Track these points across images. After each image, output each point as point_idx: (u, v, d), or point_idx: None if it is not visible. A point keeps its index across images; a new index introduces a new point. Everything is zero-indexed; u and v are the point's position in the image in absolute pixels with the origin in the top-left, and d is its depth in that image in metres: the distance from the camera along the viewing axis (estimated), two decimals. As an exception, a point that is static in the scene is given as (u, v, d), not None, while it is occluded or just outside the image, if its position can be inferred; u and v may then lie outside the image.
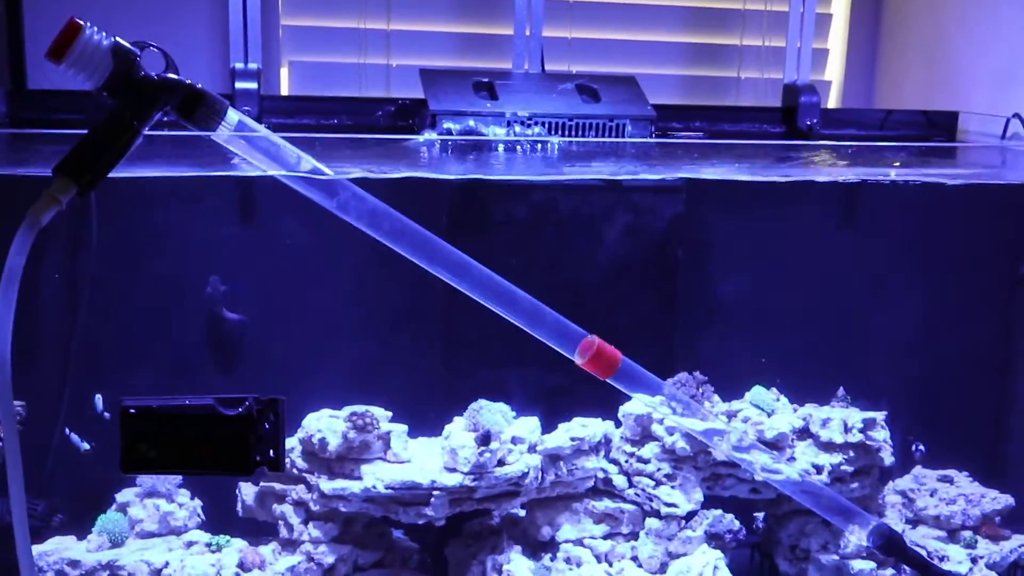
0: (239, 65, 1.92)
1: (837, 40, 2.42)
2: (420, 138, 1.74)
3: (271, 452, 1.15)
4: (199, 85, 1.17)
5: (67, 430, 1.69)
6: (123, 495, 1.74)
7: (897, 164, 1.69)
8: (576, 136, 1.86)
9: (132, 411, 1.12)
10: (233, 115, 1.23)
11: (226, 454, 1.13)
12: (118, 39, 1.12)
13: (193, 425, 1.13)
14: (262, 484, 1.70)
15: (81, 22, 1.09)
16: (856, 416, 1.75)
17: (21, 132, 1.51)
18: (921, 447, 1.82)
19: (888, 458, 1.76)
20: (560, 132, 1.86)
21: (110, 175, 1.10)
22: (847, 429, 1.73)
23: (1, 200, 1.44)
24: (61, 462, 1.73)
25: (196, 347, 1.75)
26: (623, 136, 1.88)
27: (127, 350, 1.76)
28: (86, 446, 1.68)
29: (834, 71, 2.44)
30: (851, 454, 1.74)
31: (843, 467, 1.73)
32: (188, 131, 1.20)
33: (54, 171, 1.09)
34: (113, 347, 1.77)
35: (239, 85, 1.88)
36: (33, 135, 1.48)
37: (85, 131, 1.11)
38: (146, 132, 1.13)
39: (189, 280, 1.76)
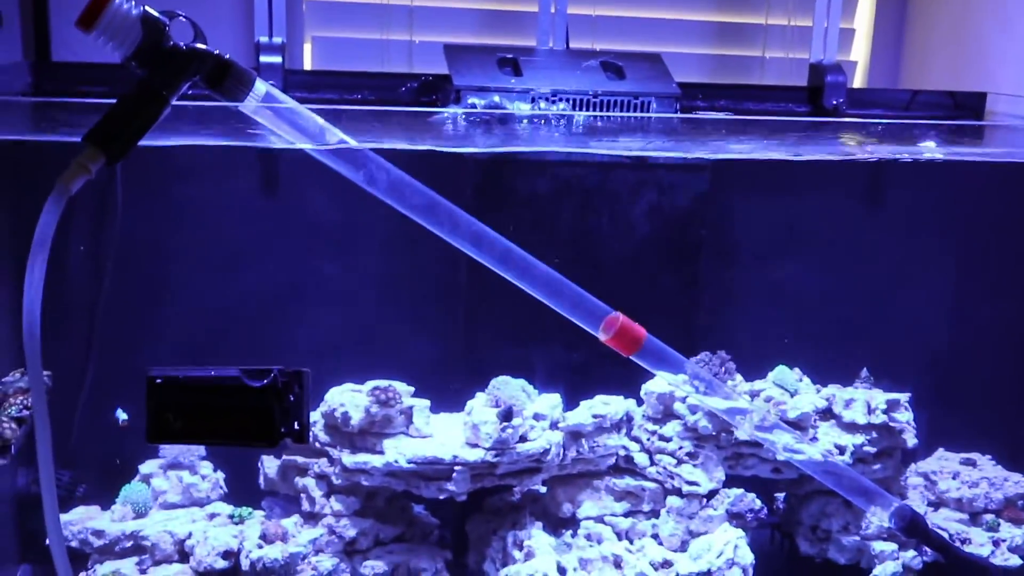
0: (264, 39, 1.91)
1: (864, 19, 2.40)
2: (446, 112, 1.73)
3: (295, 424, 1.16)
4: (227, 55, 1.17)
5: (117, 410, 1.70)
6: (146, 466, 1.76)
7: (924, 144, 1.68)
8: (600, 111, 1.85)
9: (158, 381, 1.12)
10: (261, 86, 1.23)
11: (251, 425, 1.14)
12: (147, 8, 1.12)
13: (218, 396, 1.13)
14: (284, 457, 1.71)
15: (112, -9, 1.09)
16: (879, 397, 1.74)
17: (48, 100, 1.51)
18: None
19: (911, 440, 1.76)
20: (585, 108, 1.85)
21: (139, 144, 1.11)
22: (870, 410, 1.72)
23: (30, 167, 1.44)
24: (86, 433, 1.74)
25: (221, 318, 1.76)
26: (648, 112, 1.87)
27: (153, 321, 1.76)
28: (124, 417, 1.69)
29: (860, 51, 2.41)
30: (874, 435, 1.73)
31: (866, 448, 1.72)
32: (216, 102, 1.20)
33: (83, 139, 1.09)
34: (139, 317, 1.77)
35: (264, 59, 1.88)
36: (59, 103, 1.48)
37: (113, 101, 1.12)
38: (174, 102, 1.14)
39: (214, 250, 1.77)
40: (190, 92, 1.16)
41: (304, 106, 1.31)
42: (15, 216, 1.60)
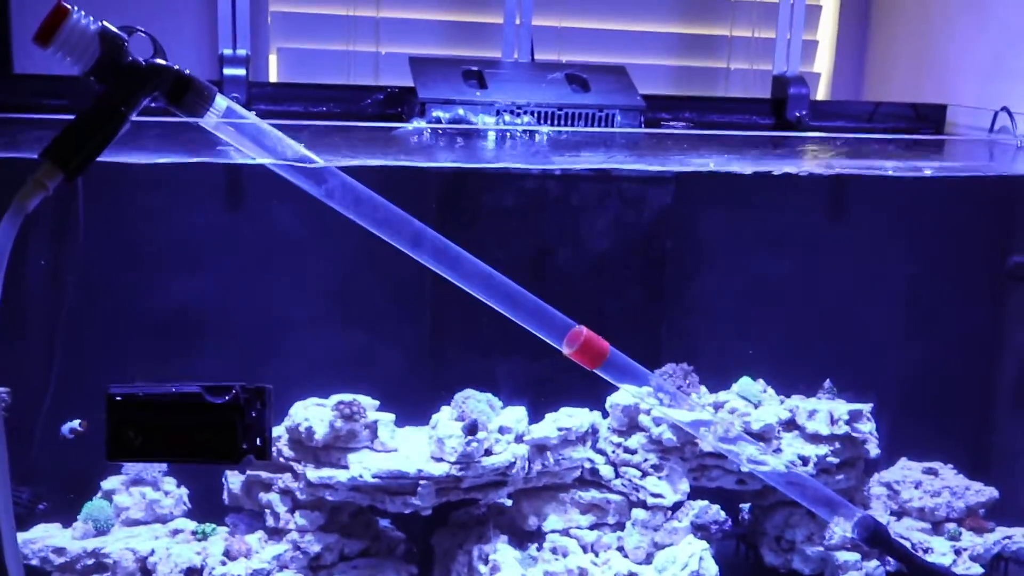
0: (227, 51, 1.91)
1: (826, 32, 2.42)
2: (409, 126, 1.73)
3: (258, 440, 1.15)
4: (187, 71, 1.17)
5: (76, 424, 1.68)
6: (109, 482, 1.74)
7: (883, 157, 1.70)
8: (565, 125, 1.86)
9: (118, 398, 1.11)
10: (221, 101, 1.22)
11: (213, 442, 1.13)
12: (105, 24, 1.11)
13: (180, 412, 1.12)
14: (248, 472, 1.70)
15: (68, 6, 1.09)
16: (842, 408, 1.75)
17: (5, 117, 1.50)
18: None
19: (874, 450, 1.77)
20: (549, 121, 1.86)
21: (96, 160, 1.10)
22: (833, 421, 1.74)
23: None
24: (46, 449, 1.72)
25: (181, 333, 1.74)
26: (612, 126, 1.88)
27: (114, 336, 1.75)
28: (73, 425, 1.67)
29: (823, 63, 2.44)
30: (837, 446, 1.75)
31: (829, 459, 1.74)
32: (176, 117, 1.20)
33: (40, 156, 1.08)
34: (100, 333, 1.76)
35: (227, 71, 1.87)
36: (17, 120, 1.47)
37: (71, 116, 1.11)
38: (133, 118, 1.13)
39: (174, 265, 1.75)
40: (152, 106, 1.16)
41: (266, 121, 1.30)
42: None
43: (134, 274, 1.74)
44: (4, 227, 1.05)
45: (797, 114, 2.09)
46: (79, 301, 1.72)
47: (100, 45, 1.12)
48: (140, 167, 1.45)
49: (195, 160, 1.43)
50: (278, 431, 1.65)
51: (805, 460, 1.72)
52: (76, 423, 1.67)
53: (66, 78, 1.13)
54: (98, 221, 1.69)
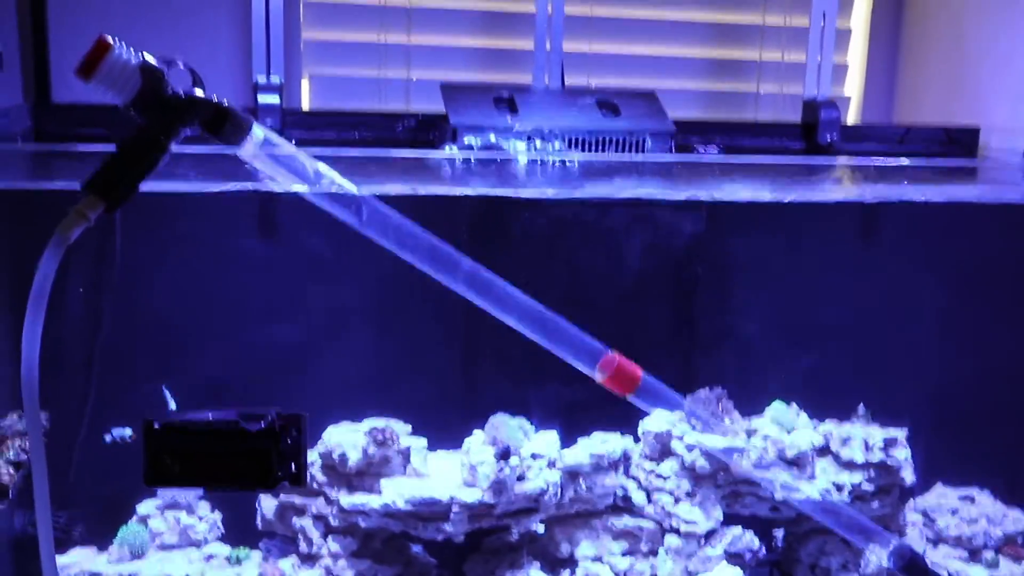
0: (261, 79, 1.93)
1: (856, 55, 2.42)
2: (442, 154, 1.74)
3: (293, 467, 1.16)
4: (226, 102, 1.18)
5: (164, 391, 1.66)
6: (144, 507, 1.75)
7: (917, 182, 1.69)
8: (596, 151, 1.87)
9: (156, 425, 1.13)
10: (259, 131, 1.24)
11: (248, 469, 1.14)
12: (146, 56, 1.13)
13: (216, 440, 1.13)
14: (282, 498, 1.71)
15: (110, 40, 1.10)
16: (877, 434, 1.74)
17: (47, 149, 1.52)
18: None
19: (909, 477, 1.75)
20: (580, 147, 1.86)
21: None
22: (868, 448, 1.72)
23: (27, 215, 1.45)
24: (82, 473, 1.74)
25: (216, 358, 1.76)
26: (643, 150, 1.89)
27: (151, 363, 1.76)
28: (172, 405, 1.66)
29: (853, 86, 2.43)
30: (872, 473, 1.73)
31: (864, 486, 1.72)
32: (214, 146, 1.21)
33: (83, 188, 1.10)
34: (137, 359, 1.77)
35: (261, 99, 1.89)
36: (59, 152, 1.49)
37: (111, 147, 1.12)
38: (173, 148, 1.14)
39: (211, 292, 1.77)
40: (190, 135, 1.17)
41: (301, 148, 1.32)
42: (15, 262, 1.61)
43: (170, 300, 1.76)
44: (47, 257, 1.07)
45: (828, 138, 2.09)
46: (115, 327, 1.74)
47: (141, 77, 1.13)
48: (176, 195, 1.47)
49: (230, 188, 1.45)
50: (312, 456, 1.66)
51: (840, 487, 1.70)
52: (127, 433, 1.67)
53: (104, 106, 1.15)
54: (134, 248, 1.71)
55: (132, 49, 1.12)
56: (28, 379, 1.07)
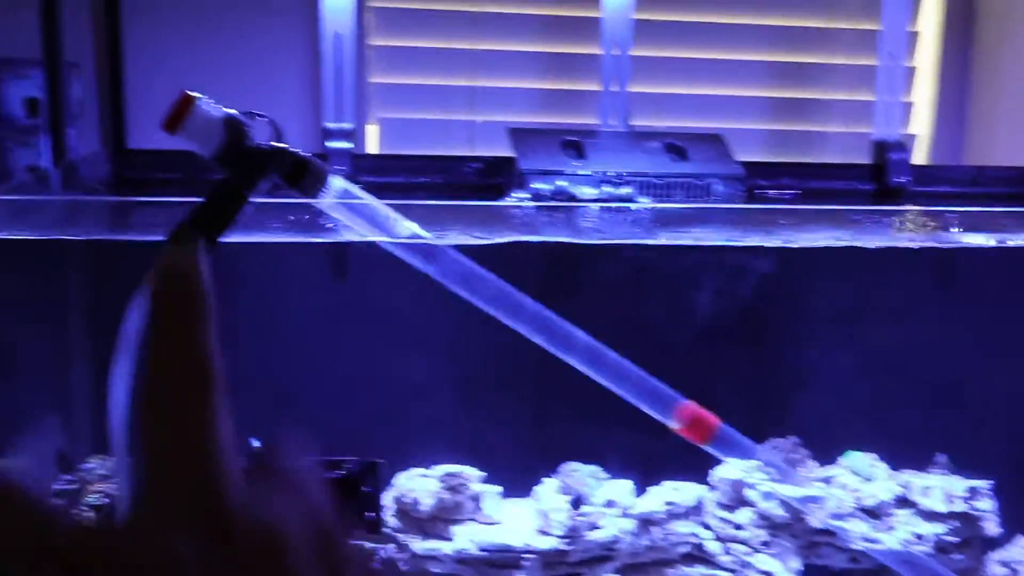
0: (331, 125, 1.95)
1: (924, 93, 2.39)
2: (513, 202, 1.74)
3: (369, 514, 1.16)
4: (305, 154, 1.19)
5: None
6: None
7: (993, 228, 1.65)
8: (664, 194, 1.85)
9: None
10: (336, 182, 1.25)
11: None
12: (228, 110, 1.14)
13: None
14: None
15: (194, 95, 1.12)
16: (959, 484, 1.70)
17: (126, 200, 1.55)
18: None
19: (993, 528, 1.71)
20: (648, 190, 1.85)
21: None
22: (950, 498, 1.68)
23: (109, 265, 1.47)
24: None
25: (293, 406, 1.76)
26: (711, 194, 1.87)
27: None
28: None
29: (922, 125, 2.40)
30: (954, 524, 1.69)
31: (946, 537, 1.68)
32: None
33: (167, 240, 1.11)
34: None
35: (330, 144, 1.91)
36: (139, 202, 1.52)
37: (189, 195, 1.14)
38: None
39: (285, 339, 1.78)
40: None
41: (371, 194, 1.33)
42: (93, 310, 1.64)
43: (248, 348, 1.77)
44: (135, 306, 1.08)
45: (898, 179, 2.06)
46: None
47: (224, 130, 1.15)
48: (254, 245, 1.49)
49: (307, 240, 1.46)
50: (384, 500, 1.65)
51: (921, 538, 1.66)
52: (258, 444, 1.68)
53: (179, 152, 1.16)
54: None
55: (213, 101, 1.14)
56: (117, 427, 1.08)
